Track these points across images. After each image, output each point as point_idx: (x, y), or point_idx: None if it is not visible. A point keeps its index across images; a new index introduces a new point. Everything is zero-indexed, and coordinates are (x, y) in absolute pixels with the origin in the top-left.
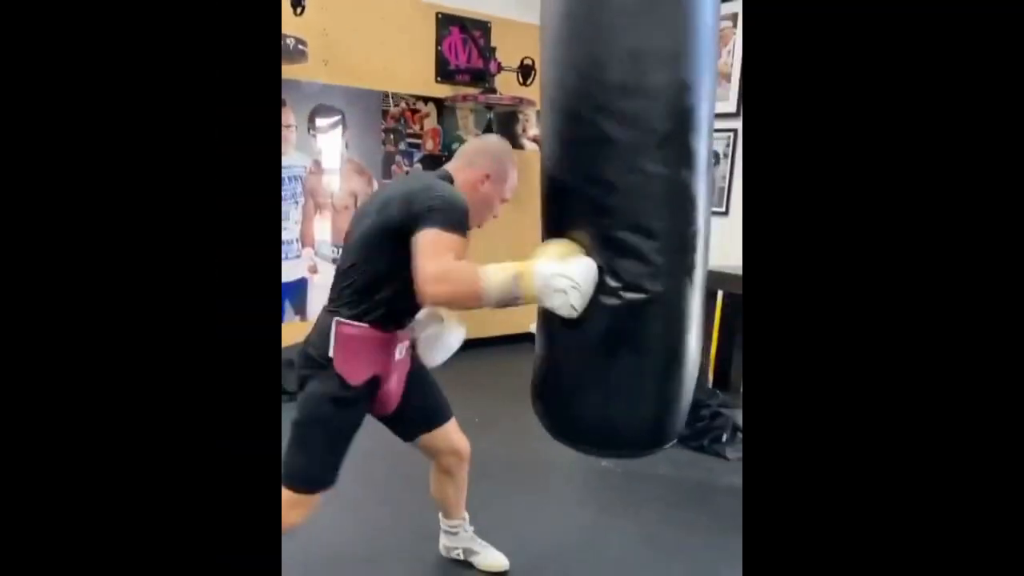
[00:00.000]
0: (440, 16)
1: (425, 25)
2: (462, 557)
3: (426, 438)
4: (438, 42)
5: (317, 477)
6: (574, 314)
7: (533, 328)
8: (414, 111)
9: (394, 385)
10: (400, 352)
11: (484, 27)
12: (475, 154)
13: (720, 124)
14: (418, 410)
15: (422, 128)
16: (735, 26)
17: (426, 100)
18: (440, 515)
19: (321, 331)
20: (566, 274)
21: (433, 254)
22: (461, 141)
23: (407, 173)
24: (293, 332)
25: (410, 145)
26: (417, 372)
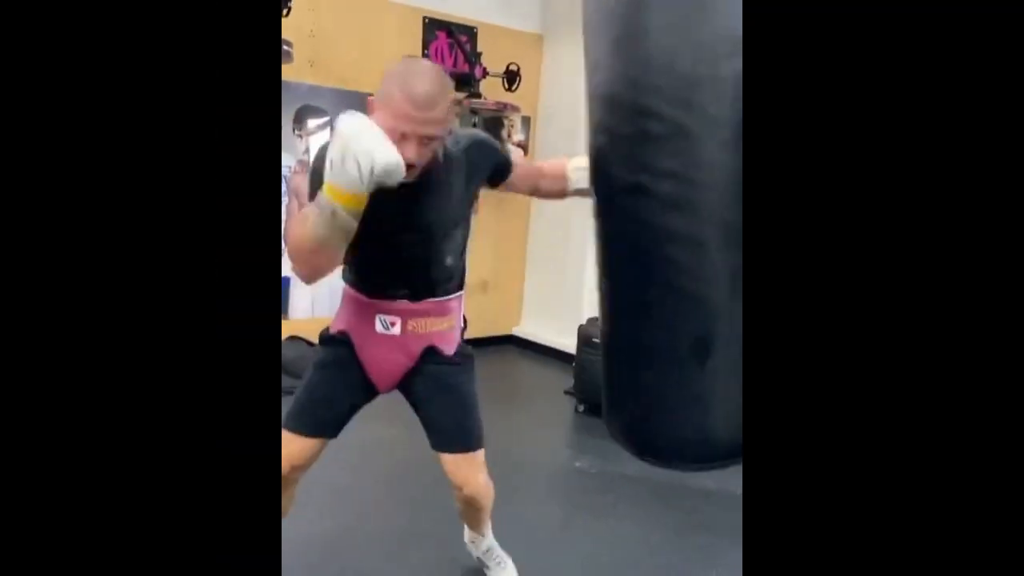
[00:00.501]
0: (427, 20)
1: (412, 29)
2: (479, 564)
3: (440, 456)
4: (424, 46)
5: (295, 416)
6: (380, 165)
7: (515, 330)
8: None
9: (379, 357)
10: (385, 326)
11: (470, 32)
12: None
13: None
14: (430, 420)
15: None
16: None
17: None
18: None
19: None
20: (332, 152)
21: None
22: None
23: None
24: None
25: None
26: (448, 385)
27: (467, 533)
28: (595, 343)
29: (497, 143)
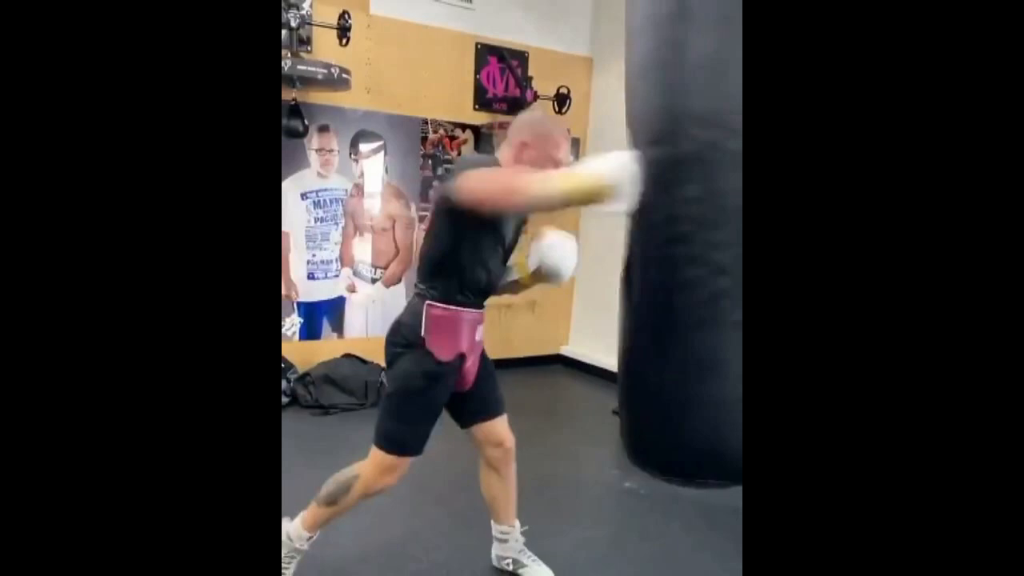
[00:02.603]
0: (479, 46)
1: (464, 55)
2: (511, 568)
3: (480, 427)
4: (476, 71)
5: (409, 443)
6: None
7: (563, 350)
8: (452, 137)
9: (471, 364)
10: (480, 334)
11: (521, 57)
12: (512, 131)
13: None
14: (480, 398)
15: (459, 154)
16: None
17: (464, 127)
18: (491, 521)
19: (413, 313)
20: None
21: (468, 178)
22: None
23: None
24: (331, 349)
25: (447, 171)
26: (486, 360)
27: (495, 546)
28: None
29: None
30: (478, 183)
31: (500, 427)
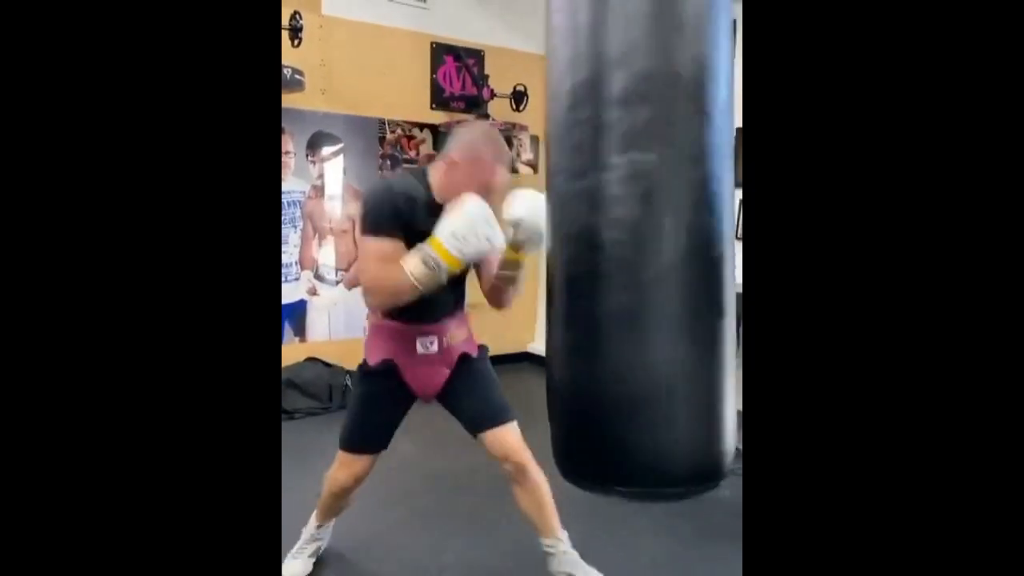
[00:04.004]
0: (435, 46)
1: (420, 55)
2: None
3: (481, 439)
4: (433, 71)
5: (355, 440)
6: (493, 247)
7: (530, 347)
8: (410, 137)
9: (423, 375)
10: (426, 347)
11: (478, 56)
12: (450, 143)
13: None
14: (467, 411)
15: (418, 153)
16: None
17: (421, 127)
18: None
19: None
20: (459, 223)
21: (363, 266)
22: None
23: None
24: (293, 353)
25: (408, 171)
26: (470, 371)
27: (544, 551)
28: None
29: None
30: (377, 292)
31: (497, 440)
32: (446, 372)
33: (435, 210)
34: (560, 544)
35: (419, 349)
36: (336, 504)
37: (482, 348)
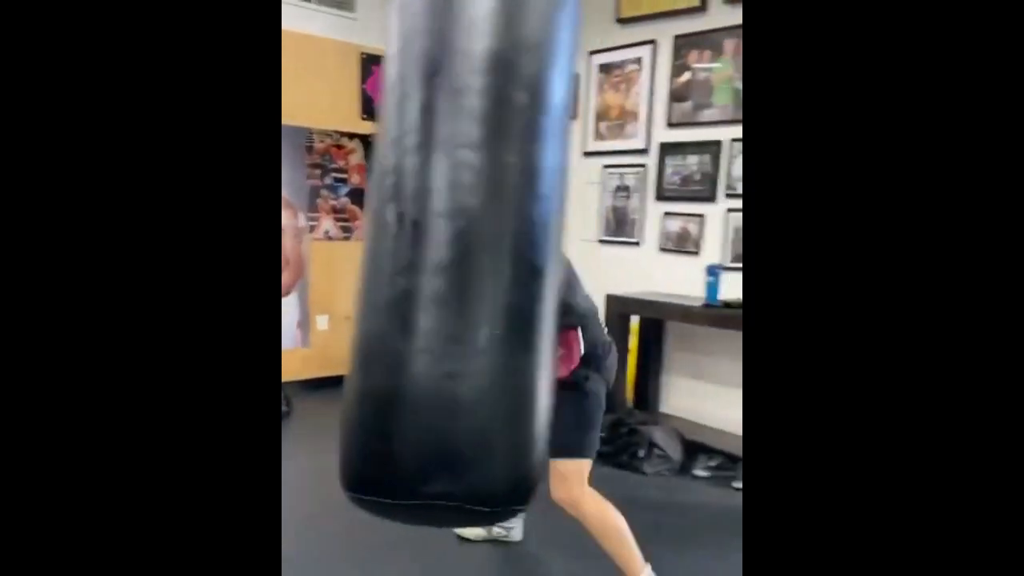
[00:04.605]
0: (364, 56)
1: (349, 65)
2: None
3: None
4: (362, 80)
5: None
6: None
7: None
8: (339, 147)
9: None
10: None
11: None
12: None
13: (631, 160)
14: None
15: (347, 163)
16: (640, 69)
17: (351, 136)
18: None
19: None
20: None
21: None
22: None
23: (332, 207)
24: None
25: (336, 180)
26: (567, 396)
27: None
28: None
29: None
30: None
31: (551, 472)
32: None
33: None
34: None
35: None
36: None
37: (579, 376)
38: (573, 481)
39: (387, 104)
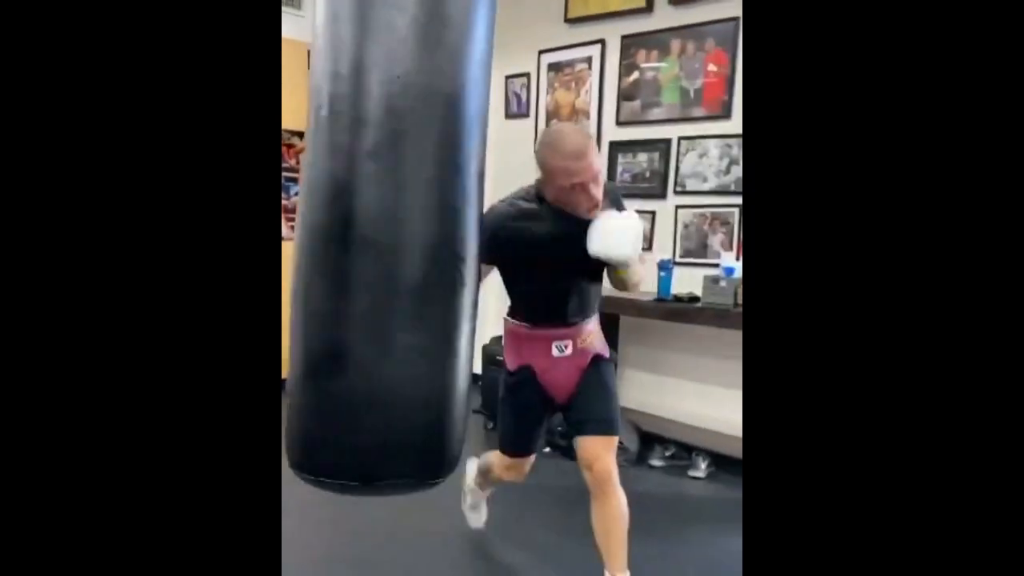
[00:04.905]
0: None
1: (297, 62)
2: None
3: (576, 443)
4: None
5: (508, 443)
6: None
7: None
8: (289, 145)
9: (560, 378)
10: (561, 350)
11: None
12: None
13: None
14: (575, 413)
15: (298, 161)
16: (590, 68)
17: (301, 135)
18: None
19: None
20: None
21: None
22: None
23: (284, 206)
24: None
25: (287, 178)
26: (593, 376)
27: None
28: (499, 360)
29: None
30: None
31: (588, 447)
32: (577, 375)
33: (550, 212)
34: None
35: (554, 352)
36: (486, 480)
37: (609, 356)
38: (613, 455)
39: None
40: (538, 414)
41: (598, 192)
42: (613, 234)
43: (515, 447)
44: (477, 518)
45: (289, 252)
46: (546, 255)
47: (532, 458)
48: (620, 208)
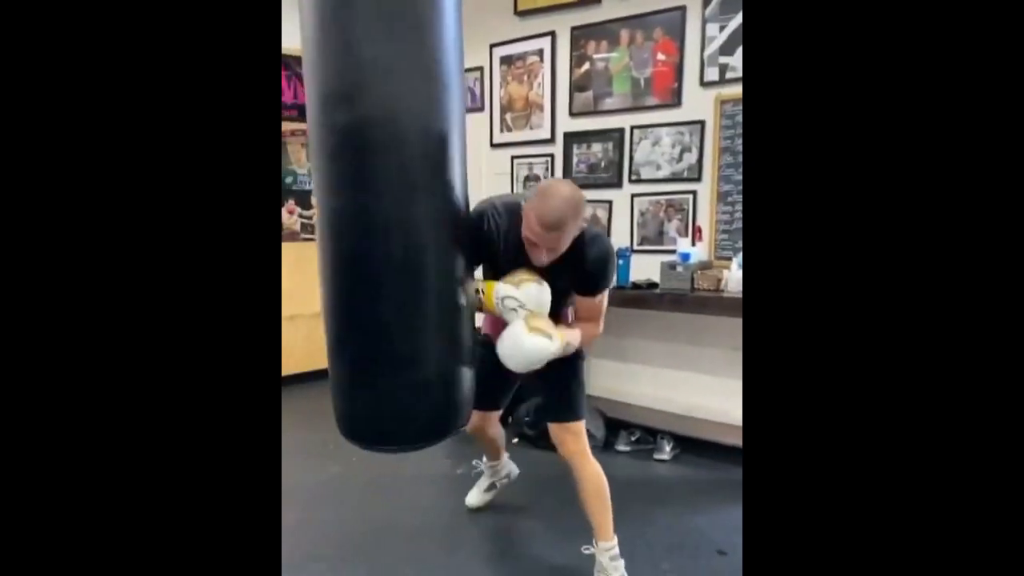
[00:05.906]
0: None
1: None
2: None
3: (549, 427)
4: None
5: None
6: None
7: None
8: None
9: None
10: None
11: None
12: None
13: (538, 150)
14: (543, 398)
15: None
16: (542, 60)
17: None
18: None
19: None
20: (515, 296)
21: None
22: (294, 175)
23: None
24: None
25: None
26: (558, 363)
27: (584, 550)
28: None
29: (610, 271)
30: None
31: (555, 432)
32: None
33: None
34: (595, 552)
35: None
36: (481, 444)
37: (577, 351)
38: (582, 438)
39: None
40: (498, 380)
41: (554, 255)
42: (514, 358)
43: (477, 402)
44: (474, 494)
45: (289, 252)
46: (512, 267)
47: (494, 416)
48: (583, 263)
